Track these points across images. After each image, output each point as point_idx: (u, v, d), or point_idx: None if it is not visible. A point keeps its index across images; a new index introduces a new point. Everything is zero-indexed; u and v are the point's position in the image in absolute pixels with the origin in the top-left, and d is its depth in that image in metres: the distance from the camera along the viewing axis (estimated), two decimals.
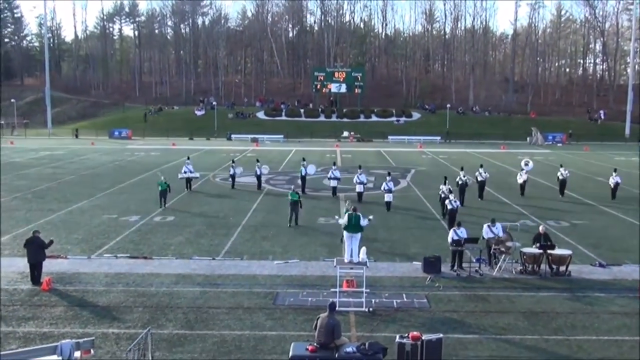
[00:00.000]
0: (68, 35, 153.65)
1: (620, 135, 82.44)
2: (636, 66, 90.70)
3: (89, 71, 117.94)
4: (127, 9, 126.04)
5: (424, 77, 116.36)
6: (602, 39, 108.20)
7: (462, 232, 18.78)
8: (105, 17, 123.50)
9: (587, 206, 30.58)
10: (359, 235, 16.25)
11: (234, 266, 19.02)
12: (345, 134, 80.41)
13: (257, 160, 37.12)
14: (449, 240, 18.88)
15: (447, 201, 24.89)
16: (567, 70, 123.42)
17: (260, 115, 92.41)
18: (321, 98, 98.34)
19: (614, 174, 33.31)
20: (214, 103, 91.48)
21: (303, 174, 33.65)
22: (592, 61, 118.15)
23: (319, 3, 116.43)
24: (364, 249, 16.20)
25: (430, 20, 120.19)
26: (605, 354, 12.89)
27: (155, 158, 53.01)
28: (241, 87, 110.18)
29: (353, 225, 16.14)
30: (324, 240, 22.42)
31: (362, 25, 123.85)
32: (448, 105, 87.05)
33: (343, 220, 16.62)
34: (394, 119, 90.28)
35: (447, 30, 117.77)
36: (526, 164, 35.88)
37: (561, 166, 34.87)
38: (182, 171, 34.41)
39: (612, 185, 32.89)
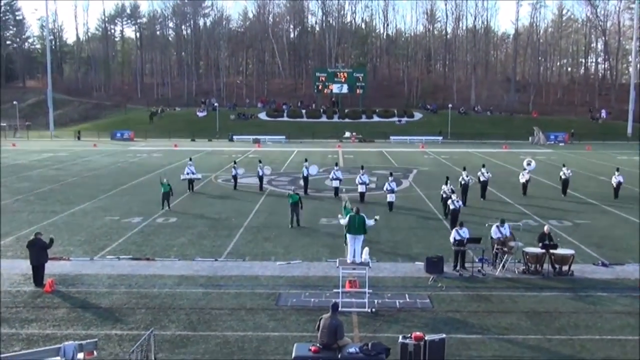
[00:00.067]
0: (70, 37, 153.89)
1: (623, 134, 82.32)
2: (638, 65, 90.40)
3: (91, 73, 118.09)
4: (128, 11, 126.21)
5: (425, 77, 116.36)
6: (603, 38, 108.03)
7: (465, 232, 18.76)
8: (106, 19, 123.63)
9: (590, 205, 30.54)
10: (362, 236, 16.24)
11: (236, 267, 19.03)
12: (347, 134, 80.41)
13: (259, 161, 37.15)
14: (452, 240, 18.87)
15: (449, 201, 24.89)
16: (569, 69, 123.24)
17: (262, 116, 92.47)
18: (323, 99, 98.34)
19: (616, 173, 33.26)
20: (216, 104, 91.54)
21: (305, 174, 33.66)
22: (594, 60, 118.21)
23: (320, 3, 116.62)
24: (366, 249, 16.19)
25: (431, 20, 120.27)
26: (608, 354, 12.87)
27: (158, 159, 53.07)
28: (243, 88, 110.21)
29: (356, 227, 16.11)
30: (327, 241, 22.42)
31: (363, 26, 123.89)
32: (450, 105, 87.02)
33: (344, 221, 16.62)
34: (395, 119, 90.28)
35: (449, 30, 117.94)
36: (528, 164, 35.83)
37: (564, 166, 34.82)
38: (185, 172, 34.49)
39: (614, 185, 32.85)
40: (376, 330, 13.93)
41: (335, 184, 32.59)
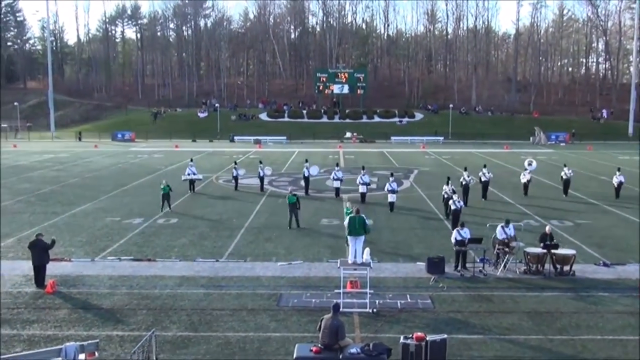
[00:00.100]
0: (71, 39, 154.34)
1: (624, 134, 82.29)
2: (639, 65, 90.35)
3: (92, 74, 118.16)
4: (129, 12, 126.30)
5: (426, 77, 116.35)
6: (604, 38, 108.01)
7: (466, 233, 18.75)
8: (107, 20, 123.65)
9: (591, 205, 30.52)
10: (362, 237, 16.24)
11: (237, 268, 19.03)
12: (348, 135, 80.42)
13: (260, 162, 37.18)
14: (453, 240, 18.86)
15: (450, 201, 24.88)
16: (570, 69, 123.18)
17: (263, 116, 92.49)
18: (324, 99, 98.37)
19: (617, 173, 33.25)
20: (217, 105, 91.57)
21: (306, 175, 33.66)
22: (595, 60, 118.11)
23: (320, 4, 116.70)
24: (367, 249, 16.19)
25: (432, 21, 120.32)
26: (609, 354, 12.86)
27: (159, 160, 53.11)
28: (243, 88, 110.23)
29: (356, 229, 16.12)
30: (328, 242, 22.41)
31: (364, 26, 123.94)
32: (451, 106, 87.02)
33: (345, 222, 16.63)
34: (396, 119, 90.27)
35: (449, 30, 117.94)
36: (530, 164, 35.82)
37: (565, 166, 34.80)
38: (186, 173, 34.51)
39: (615, 185, 32.82)
40: (377, 331, 13.93)
41: (336, 184, 32.58)
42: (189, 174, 34.20)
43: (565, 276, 18.07)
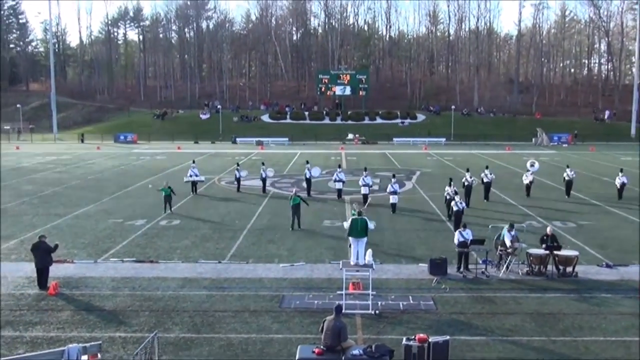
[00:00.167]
0: (73, 41, 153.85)
1: (626, 135, 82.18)
2: None
3: (94, 76, 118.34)
4: (131, 14, 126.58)
5: (428, 78, 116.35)
6: (606, 39, 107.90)
7: (468, 234, 18.72)
8: (109, 22, 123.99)
9: (594, 207, 30.47)
10: (364, 239, 16.24)
11: (239, 269, 19.03)
12: (350, 136, 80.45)
13: (262, 164, 37.17)
14: (455, 241, 18.85)
15: (452, 203, 24.86)
16: (572, 70, 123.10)
17: (265, 118, 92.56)
18: (326, 101, 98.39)
19: (620, 174, 33.20)
20: (219, 107, 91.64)
21: (308, 176, 33.66)
22: (597, 61, 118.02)
23: (322, 6, 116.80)
24: (370, 251, 16.18)
25: (434, 22, 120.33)
26: (612, 355, 12.83)
27: (161, 162, 53.15)
28: (246, 90, 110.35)
29: (358, 231, 16.12)
30: (330, 243, 22.41)
31: (366, 28, 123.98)
32: (453, 107, 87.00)
33: (347, 224, 16.63)
34: (398, 120, 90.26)
35: (451, 31, 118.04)
36: (532, 165, 35.75)
37: (567, 167, 34.77)
38: (188, 175, 34.51)
39: (618, 186, 32.78)
40: (380, 332, 13.92)
41: (339, 185, 32.59)
42: (191, 176, 34.22)
43: (567, 277, 18.04)
